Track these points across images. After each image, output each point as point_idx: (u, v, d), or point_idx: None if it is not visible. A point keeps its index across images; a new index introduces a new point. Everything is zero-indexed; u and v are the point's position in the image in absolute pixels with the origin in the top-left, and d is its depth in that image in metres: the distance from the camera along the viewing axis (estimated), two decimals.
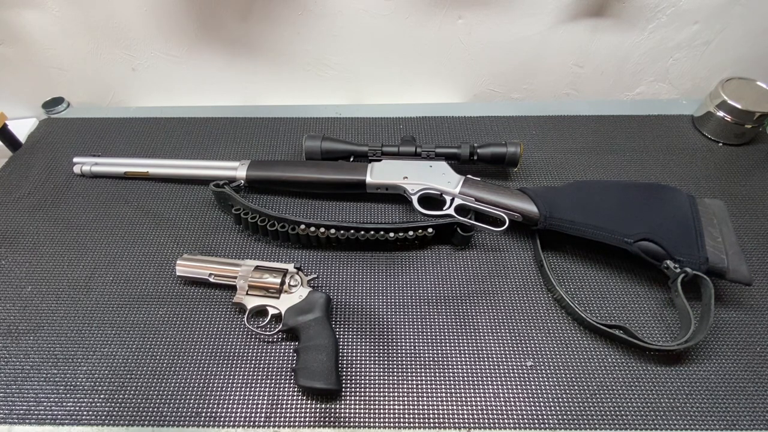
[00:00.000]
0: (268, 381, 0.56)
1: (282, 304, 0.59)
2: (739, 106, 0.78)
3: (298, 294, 0.59)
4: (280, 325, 0.58)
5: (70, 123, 0.91)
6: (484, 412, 0.53)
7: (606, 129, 0.87)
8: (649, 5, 0.83)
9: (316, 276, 0.62)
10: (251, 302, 0.59)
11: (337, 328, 0.61)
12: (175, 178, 0.78)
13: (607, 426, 0.52)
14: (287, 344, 0.59)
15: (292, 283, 0.59)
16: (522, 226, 0.68)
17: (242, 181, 0.74)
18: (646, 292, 0.63)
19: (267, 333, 0.59)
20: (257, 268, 0.61)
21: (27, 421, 0.53)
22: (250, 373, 0.57)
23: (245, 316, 0.59)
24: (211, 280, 0.62)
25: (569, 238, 0.65)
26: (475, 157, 0.74)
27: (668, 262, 0.59)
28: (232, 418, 0.53)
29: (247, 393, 0.55)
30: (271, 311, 0.59)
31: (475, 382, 0.56)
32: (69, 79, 0.94)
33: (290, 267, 0.61)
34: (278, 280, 0.59)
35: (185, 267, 0.63)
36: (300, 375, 0.53)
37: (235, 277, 0.61)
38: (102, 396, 0.55)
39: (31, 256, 0.68)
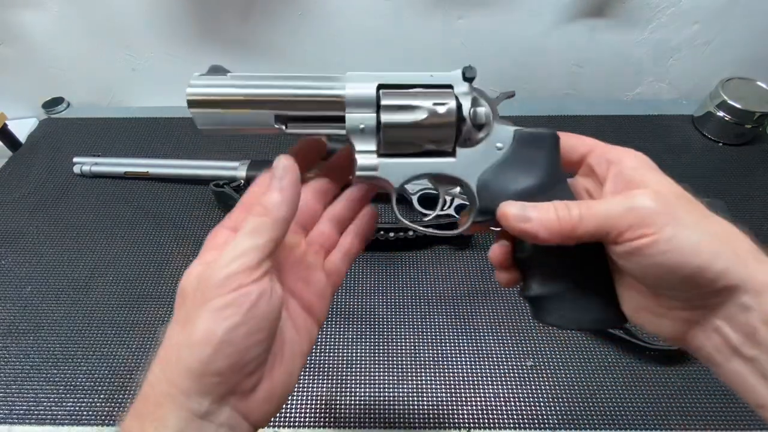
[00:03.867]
0: None
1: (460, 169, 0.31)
2: (739, 106, 0.78)
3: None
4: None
5: (70, 123, 0.91)
6: (484, 412, 0.53)
7: (606, 129, 0.87)
8: (649, 5, 0.83)
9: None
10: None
11: (336, 328, 0.60)
12: (175, 178, 0.78)
13: (607, 426, 0.52)
14: None
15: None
16: None
17: (242, 181, 0.73)
18: None
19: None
20: None
21: (27, 421, 0.53)
22: None
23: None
24: None
25: None
26: None
27: None
28: None
29: None
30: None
31: (475, 382, 0.56)
32: (69, 79, 0.94)
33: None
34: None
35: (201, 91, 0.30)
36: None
37: None
38: (102, 396, 0.55)
39: (31, 256, 0.68)
